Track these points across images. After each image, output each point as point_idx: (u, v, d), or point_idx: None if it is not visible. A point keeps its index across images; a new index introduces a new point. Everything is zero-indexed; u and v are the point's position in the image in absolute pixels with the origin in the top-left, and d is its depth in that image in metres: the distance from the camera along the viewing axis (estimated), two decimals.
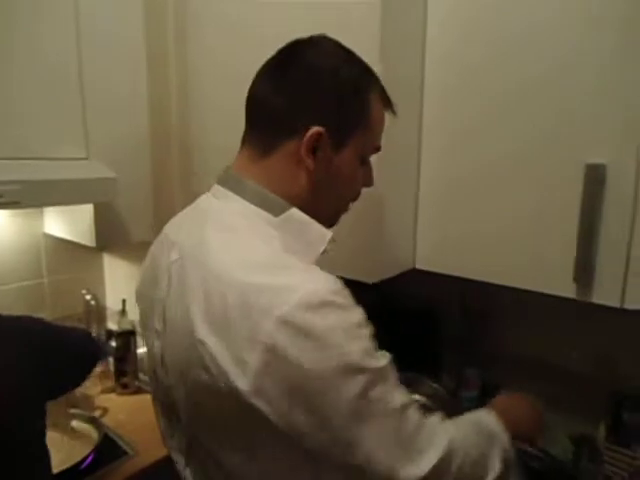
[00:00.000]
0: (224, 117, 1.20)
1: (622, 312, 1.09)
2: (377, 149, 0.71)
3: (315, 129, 0.60)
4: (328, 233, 0.65)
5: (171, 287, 0.62)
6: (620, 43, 0.75)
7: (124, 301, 1.55)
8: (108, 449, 1.21)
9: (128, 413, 1.42)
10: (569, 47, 0.79)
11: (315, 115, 0.61)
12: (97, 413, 1.39)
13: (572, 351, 1.17)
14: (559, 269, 0.83)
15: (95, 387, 1.52)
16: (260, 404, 0.49)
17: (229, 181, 0.65)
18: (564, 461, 1.02)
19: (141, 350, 1.62)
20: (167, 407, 0.68)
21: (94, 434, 1.25)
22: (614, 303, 0.79)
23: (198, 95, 1.31)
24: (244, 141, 0.67)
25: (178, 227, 0.70)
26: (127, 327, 1.55)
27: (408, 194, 1.01)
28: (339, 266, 0.67)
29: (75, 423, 1.30)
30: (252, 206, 0.62)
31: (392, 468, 0.53)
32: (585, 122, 0.79)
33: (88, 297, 1.65)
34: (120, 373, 1.54)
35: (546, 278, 0.86)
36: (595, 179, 0.76)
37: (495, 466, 0.63)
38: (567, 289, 0.83)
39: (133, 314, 1.59)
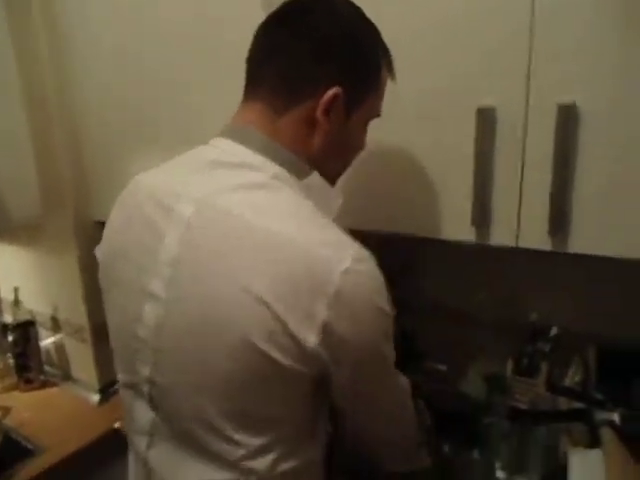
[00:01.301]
0: (105, 90, 1.11)
1: (522, 253, 1.16)
2: (378, 115, 0.70)
3: (335, 89, 0.58)
4: (340, 196, 0.67)
5: (190, 246, 0.56)
6: None
7: (17, 289, 1.41)
8: (11, 450, 1.11)
9: (34, 410, 1.31)
10: None
11: (336, 69, 0.59)
12: None
13: (480, 295, 1.23)
14: (459, 215, 0.84)
15: None
16: (324, 354, 0.52)
17: (248, 138, 0.60)
18: (477, 399, 1.07)
19: (47, 341, 1.50)
20: (147, 385, 0.61)
21: None
22: (510, 243, 0.81)
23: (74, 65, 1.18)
24: (250, 97, 0.63)
25: (176, 177, 0.63)
26: (24, 317, 1.42)
27: None
28: None
29: None
30: (277, 166, 0.59)
31: None
32: (475, 66, 0.78)
33: None
34: (22, 368, 1.42)
35: (447, 225, 0.87)
36: (486, 122, 0.76)
37: None
38: (467, 233, 0.84)
39: (30, 303, 1.45)
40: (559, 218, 0.75)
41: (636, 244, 0.72)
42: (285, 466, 0.58)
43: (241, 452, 0.56)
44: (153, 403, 0.62)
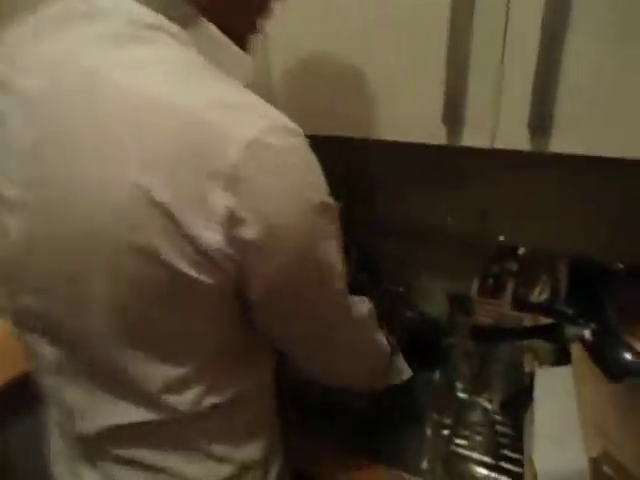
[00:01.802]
0: None
1: (492, 167, 1.07)
2: None
3: None
4: (250, 59, 0.52)
5: (46, 129, 0.41)
6: None
7: None
8: None
9: None
10: None
11: None
12: None
13: (447, 212, 1.15)
14: (427, 112, 0.72)
15: None
16: (235, 259, 0.41)
17: None
18: (438, 318, 1.01)
19: None
20: (34, 316, 0.50)
21: None
22: (485, 144, 0.71)
23: None
24: None
25: (16, 39, 0.47)
26: None
27: None
28: None
29: None
30: (150, 12, 0.43)
31: None
32: None
33: None
34: None
35: (413, 125, 0.75)
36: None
37: None
38: (437, 134, 0.73)
39: None
40: (542, 113, 0.65)
41: (624, 142, 0.63)
42: (213, 400, 0.49)
43: (158, 385, 0.47)
44: (50, 337, 0.50)
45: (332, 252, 0.47)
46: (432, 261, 1.14)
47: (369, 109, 0.79)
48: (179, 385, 0.47)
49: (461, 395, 0.85)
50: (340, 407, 0.85)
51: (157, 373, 0.46)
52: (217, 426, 0.52)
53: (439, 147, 1.03)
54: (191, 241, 0.39)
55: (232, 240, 0.39)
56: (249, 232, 0.40)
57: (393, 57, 0.73)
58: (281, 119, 0.41)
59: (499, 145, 0.70)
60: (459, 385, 0.86)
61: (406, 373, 0.70)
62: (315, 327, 0.53)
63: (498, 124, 0.69)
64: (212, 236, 0.39)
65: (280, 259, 0.43)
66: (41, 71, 0.42)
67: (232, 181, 0.38)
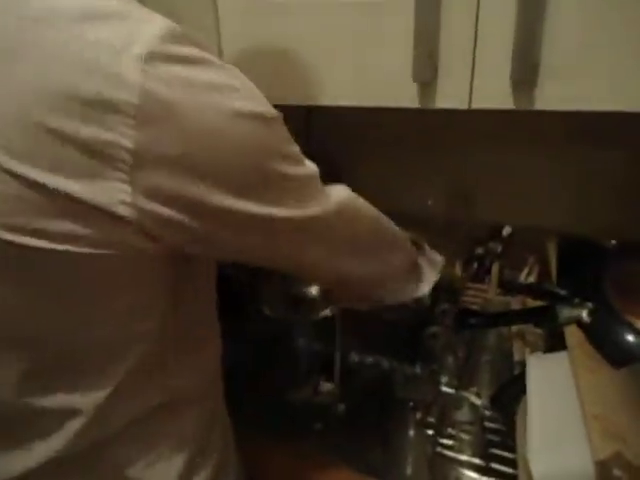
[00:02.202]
0: None
1: (473, 144, 1.00)
2: None
3: None
4: None
5: None
6: None
7: None
8: None
9: None
10: None
11: None
12: None
13: (427, 194, 1.07)
14: (395, 70, 0.64)
15: None
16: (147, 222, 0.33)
17: None
18: (420, 308, 0.93)
19: None
20: None
21: None
22: (462, 104, 0.62)
23: None
24: None
25: None
26: None
27: None
28: None
29: None
30: None
31: None
32: None
33: None
34: None
35: (381, 86, 0.67)
36: None
37: None
38: (408, 96, 0.64)
39: None
40: (526, 63, 0.56)
41: (620, 94, 0.55)
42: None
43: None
44: None
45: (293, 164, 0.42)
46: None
47: (331, 72, 0.70)
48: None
49: (446, 389, 0.76)
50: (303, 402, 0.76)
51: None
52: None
53: (416, 118, 0.95)
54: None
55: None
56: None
57: (355, 10, 0.64)
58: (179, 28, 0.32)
59: (478, 104, 0.62)
60: (443, 379, 0.78)
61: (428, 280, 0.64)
62: (302, 233, 0.45)
63: (475, 79, 0.61)
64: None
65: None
66: None
67: (136, 118, 0.29)
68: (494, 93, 0.60)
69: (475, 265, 0.98)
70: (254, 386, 0.87)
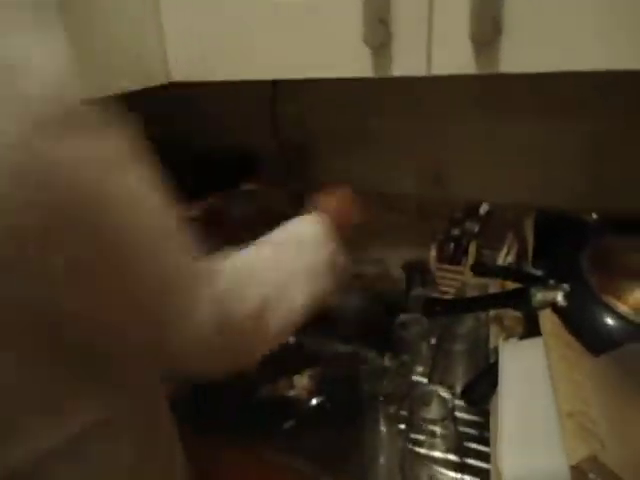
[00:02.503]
0: None
1: (439, 118, 0.93)
2: None
3: None
4: None
5: None
6: None
7: None
8: None
9: None
10: None
11: None
12: None
13: (398, 173, 1.01)
14: (346, 36, 0.57)
15: None
16: None
17: None
18: (389, 291, 0.88)
19: None
20: None
21: None
22: (420, 70, 0.56)
23: None
24: None
25: None
26: None
27: None
28: None
29: None
30: None
31: None
32: None
33: None
34: None
35: (331, 55, 0.60)
36: None
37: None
38: (361, 64, 0.58)
39: None
40: (486, 19, 0.50)
41: (592, 52, 0.49)
42: None
43: None
44: None
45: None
46: (384, 228, 1.00)
47: (283, 43, 0.64)
48: None
49: (418, 380, 0.72)
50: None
51: None
52: None
53: (378, 91, 0.88)
54: None
55: None
56: None
57: None
58: None
59: (438, 70, 0.56)
60: (417, 369, 0.73)
61: None
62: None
63: (434, 43, 0.54)
64: None
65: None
66: None
67: None
68: (454, 57, 0.54)
69: (452, 246, 0.93)
70: (222, 384, 0.83)
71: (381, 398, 0.66)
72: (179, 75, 0.72)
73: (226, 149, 1.06)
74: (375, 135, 0.99)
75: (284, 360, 0.94)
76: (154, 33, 0.70)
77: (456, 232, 0.94)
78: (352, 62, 0.59)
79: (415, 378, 0.71)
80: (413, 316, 0.75)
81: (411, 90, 0.92)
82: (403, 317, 0.75)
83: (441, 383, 0.66)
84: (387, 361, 0.70)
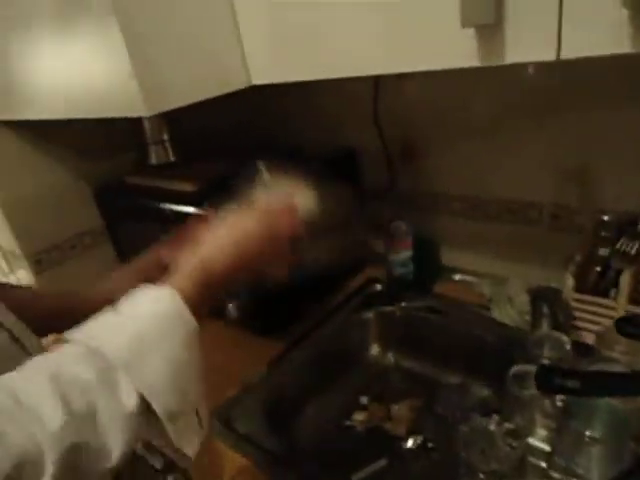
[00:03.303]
0: None
1: (580, 107, 0.72)
2: None
3: None
4: None
5: None
6: None
7: None
8: None
9: None
10: None
11: None
12: None
13: (526, 175, 0.82)
14: (442, 20, 0.43)
15: None
16: None
17: None
18: (519, 326, 0.72)
19: None
20: None
21: None
22: (547, 56, 0.40)
23: None
24: None
25: None
26: None
27: None
28: None
29: None
30: None
31: None
32: None
33: None
34: None
35: (430, 51, 0.47)
36: None
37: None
38: (464, 50, 0.44)
39: None
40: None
41: None
42: None
43: None
44: None
45: None
46: (511, 242, 0.83)
47: (372, 35, 0.52)
48: None
49: (534, 462, 0.55)
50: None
51: None
52: None
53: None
54: None
55: None
56: None
57: None
58: None
59: (568, 54, 0.39)
60: (531, 446, 0.57)
61: None
62: None
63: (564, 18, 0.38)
64: None
65: None
66: None
67: None
68: (591, 35, 0.37)
69: (596, 271, 0.72)
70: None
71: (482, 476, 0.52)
72: (260, 78, 0.65)
73: (326, 146, 0.98)
74: (490, 130, 0.82)
75: (381, 381, 0.86)
76: (231, 36, 0.64)
77: (604, 252, 0.74)
78: (449, 49, 0.45)
79: (531, 459, 0.54)
80: (534, 368, 0.59)
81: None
82: (520, 368, 0.59)
83: (566, 471, 0.49)
84: (493, 425, 0.55)
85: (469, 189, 0.89)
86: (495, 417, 0.56)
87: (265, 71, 0.64)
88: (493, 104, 0.79)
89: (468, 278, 0.93)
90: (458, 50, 0.44)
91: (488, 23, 0.41)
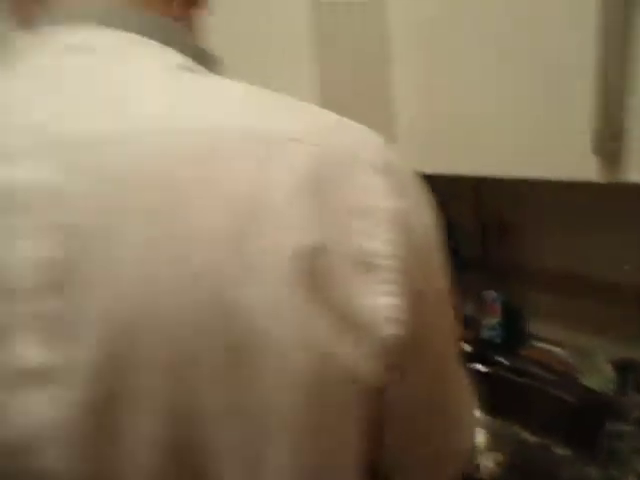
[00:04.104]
0: None
1: None
2: None
3: None
4: None
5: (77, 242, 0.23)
6: None
7: None
8: None
9: None
10: None
11: None
12: None
13: (620, 257, 0.93)
14: (573, 145, 0.59)
15: None
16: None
17: (129, 20, 0.30)
18: (604, 393, 0.81)
19: None
20: None
21: None
22: None
23: None
24: None
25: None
26: None
27: None
28: None
29: None
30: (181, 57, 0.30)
31: None
32: None
33: None
34: None
35: (552, 159, 0.62)
36: None
37: None
38: (586, 168, 0.59)
39: None
40: None
41: None
42: None
43: None
44: None
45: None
46: (594, 317, 0.93)
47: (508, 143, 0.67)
48: None
49: None
50: None
51: None
52: None
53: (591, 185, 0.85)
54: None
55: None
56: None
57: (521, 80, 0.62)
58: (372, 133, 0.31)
59: None
60: None
61: None
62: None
63: None
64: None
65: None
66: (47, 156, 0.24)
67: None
68: None
69: None
70: None
71: None
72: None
73: None
74: (582, 211, 0.93)
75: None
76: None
77: None
78: (577, 165, 0.60)
79: None
80: (628, 428, 0.68)
81: None
82: (617, 426, 0.68)
83: None
84: (594, 472, 0.65)
85: (562, 266, 1.00)
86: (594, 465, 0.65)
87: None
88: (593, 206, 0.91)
89: (553, 348, 1.02)
90: (586, 167, 0.59)
91: (605, 152, 0.55)
